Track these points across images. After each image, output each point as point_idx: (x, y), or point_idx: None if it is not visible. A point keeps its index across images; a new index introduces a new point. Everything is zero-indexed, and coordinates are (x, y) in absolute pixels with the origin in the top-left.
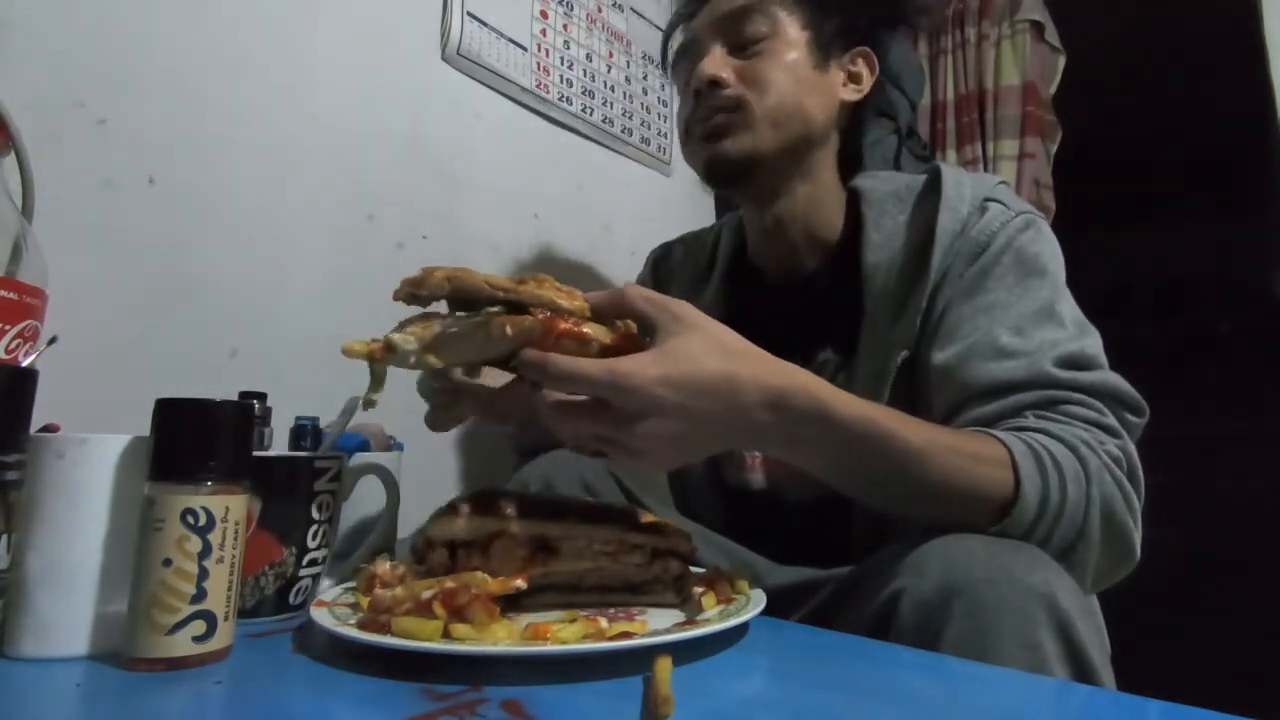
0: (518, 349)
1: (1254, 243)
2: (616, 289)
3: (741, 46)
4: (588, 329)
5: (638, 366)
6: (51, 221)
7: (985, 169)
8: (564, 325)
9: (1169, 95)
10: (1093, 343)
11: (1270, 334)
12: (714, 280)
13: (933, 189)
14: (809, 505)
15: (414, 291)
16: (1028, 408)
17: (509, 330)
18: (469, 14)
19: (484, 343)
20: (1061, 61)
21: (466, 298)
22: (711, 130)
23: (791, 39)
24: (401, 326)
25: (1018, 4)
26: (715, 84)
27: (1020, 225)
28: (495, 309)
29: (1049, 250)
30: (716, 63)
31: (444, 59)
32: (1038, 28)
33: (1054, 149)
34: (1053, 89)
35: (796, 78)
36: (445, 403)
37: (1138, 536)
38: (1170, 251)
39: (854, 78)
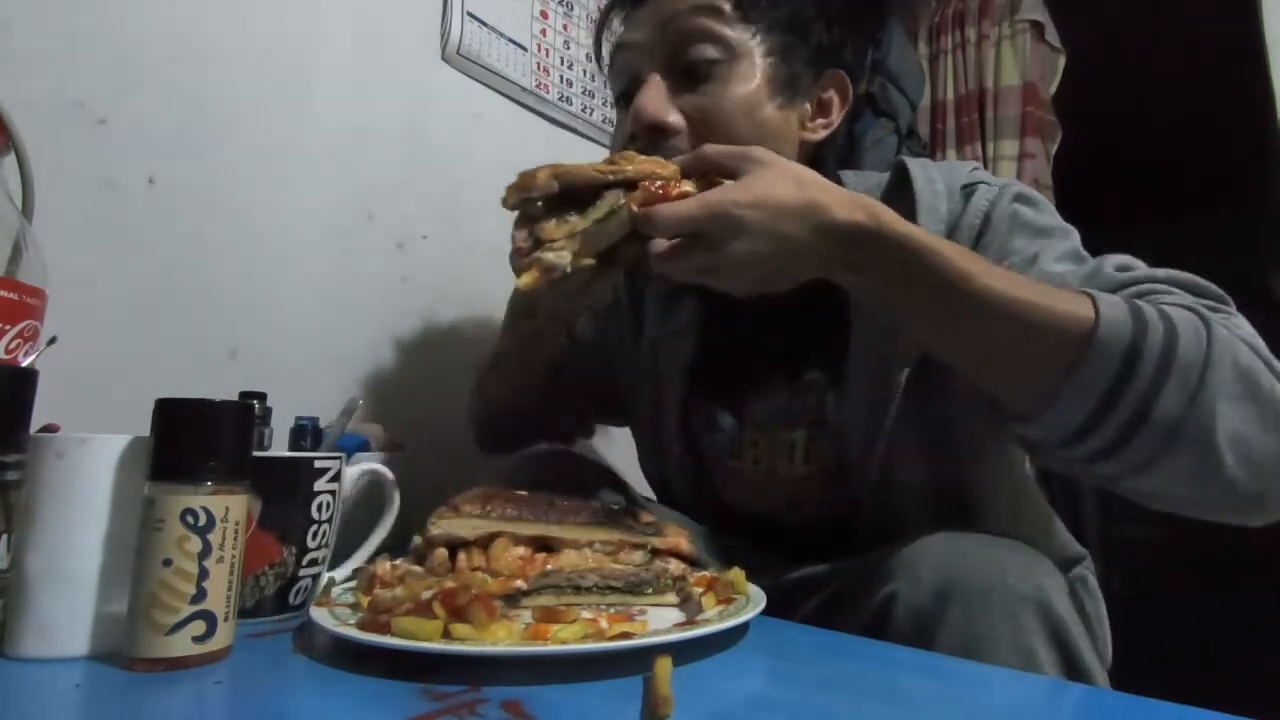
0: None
1: (1254, 243)
2: (696, 150)
3: (687, 72)
4: (688, 186)
5: (726, 194)
6: (51, 221)
7: (985, 169)
8: (676, 190)
9: (1169, 95)
10: (1138, 262)
11: (1270, 334)
12: (689, 293)
13: (901, 188)
14: (806, 529)
15: (525, 195)
16: None
17: (637, 209)
18: (469, 14)
19: (616, 228)
20: (1061, 61)
21: (577, 189)
22: None
23: (749, 69)
24: (530, 240)
25: (1018, 4)
26: (656, 129)
27: (1012, 195)
28: (617, 195)
29: (1051, 214)
30: (656, 102)
31: (444, 59)
32: (1038, 28)
33: (1054, 149)
34: (1053, 89)
35: (754, 121)
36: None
37: None
38: (1170, 251)
39: (823, 108)
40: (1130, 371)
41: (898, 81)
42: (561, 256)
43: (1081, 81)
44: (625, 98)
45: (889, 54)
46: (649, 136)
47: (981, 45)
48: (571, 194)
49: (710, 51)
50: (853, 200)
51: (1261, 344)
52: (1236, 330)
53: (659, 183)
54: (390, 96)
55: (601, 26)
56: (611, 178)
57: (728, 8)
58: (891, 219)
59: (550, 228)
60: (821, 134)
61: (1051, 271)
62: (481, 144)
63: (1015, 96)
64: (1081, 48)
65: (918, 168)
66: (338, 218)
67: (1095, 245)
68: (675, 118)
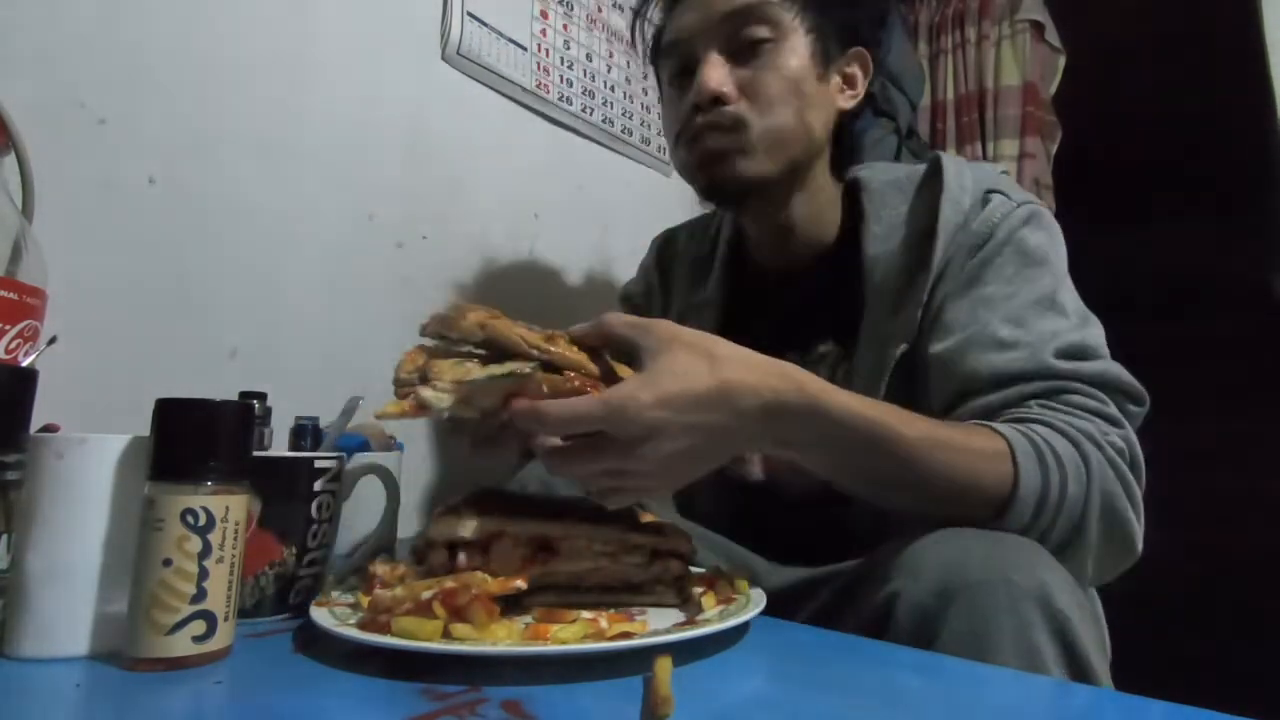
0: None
1: (1254, 243)
2: (597, 319)
3: (741, 50)
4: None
5: (629, 392)
6: (51, 221)
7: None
8: (593, 389)
9: (1169, 95)
10: (1095, 333)
11: (1270, 334)
12: (715, 268)
13: (934, 179)
14: (807, 499)
15: (443, 333)
16: (1031, 397)
17: (545, 389)
18: (469, 14)
19: (512, 392)
20: (1061, 61)
21: (499, 349)
22: (707, 155)
23: (796, 45)
24: (417, 374)
25: (1018, 4)
26: (717, 100)
27: (1023, 216)
28: (531, 366)
29: (1050, 241)
30: (718, 75)
31: (444, 59)
32: (1038, 28)
33: (1054, 149)
34: (1053, 89)
35: (800, 92)
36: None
37: (1139, 529)
38: (1170, 251)
39: (849, 80)
40: (1037, 518)
41: (898, 81)
42: (440, 399)
43: (1081, 81)
44: (681, 76)
45: (889, 54)
46: (711, 106)
47: (981, 45)
48: (494, 349)
49: (763, 31)
50: (777, 372)
51: (1126, 465)
52: (1108, 454)
53: (586, 379)
54: (390, 96)
55: (640, 14)
56: (538, 354)
57: None
58: (818, 389)
59: (444, 366)
60: (851, 103)
61: (1000, 337)
62: (481, 144)
63: (1015, 96)
64: (1081, 48)
65: (952, 163)
66: (338, 217)
67: (1096, 245)
68: (731, 88)
